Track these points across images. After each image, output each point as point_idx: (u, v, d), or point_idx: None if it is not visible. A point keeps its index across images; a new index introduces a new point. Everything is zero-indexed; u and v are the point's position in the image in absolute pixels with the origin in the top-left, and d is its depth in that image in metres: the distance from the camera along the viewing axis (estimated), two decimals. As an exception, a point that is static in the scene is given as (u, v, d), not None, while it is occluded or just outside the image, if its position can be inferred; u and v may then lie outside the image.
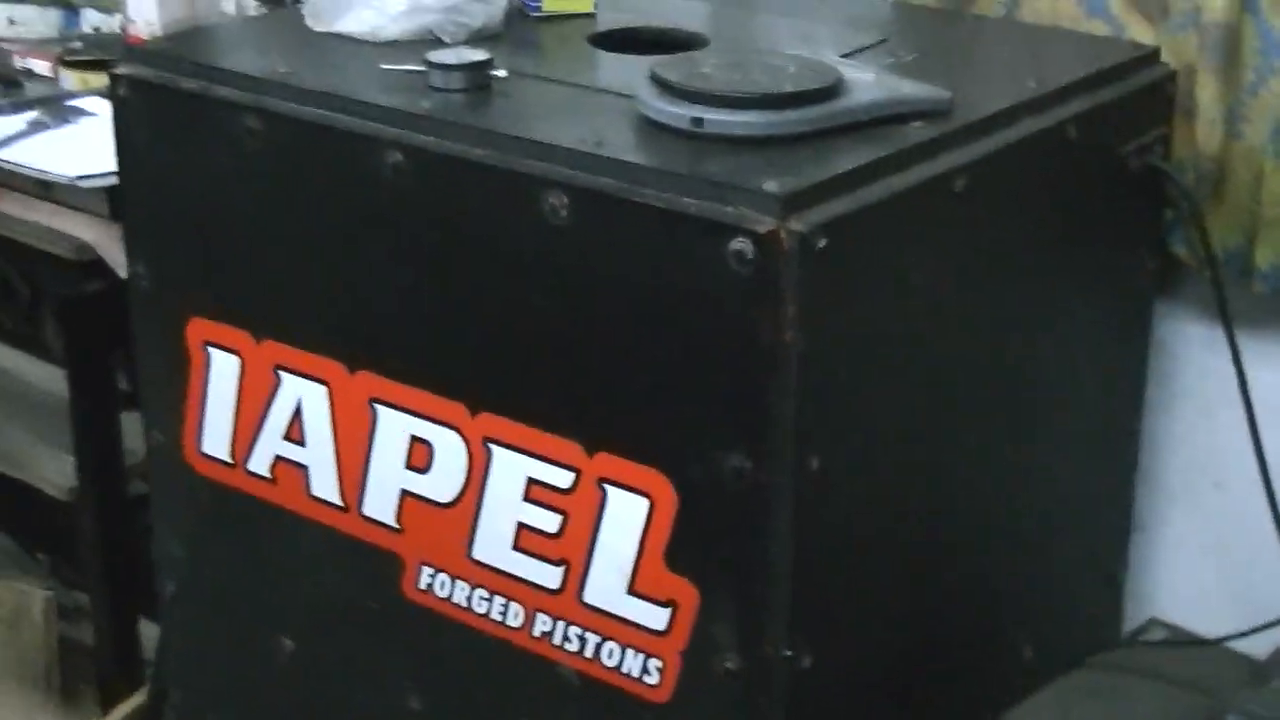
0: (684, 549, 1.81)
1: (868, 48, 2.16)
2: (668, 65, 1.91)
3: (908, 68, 2.04)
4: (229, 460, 2.20)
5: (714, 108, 1.82)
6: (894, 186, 1.79)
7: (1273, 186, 2.05)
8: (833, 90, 1.87)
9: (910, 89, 1.93)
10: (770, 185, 1.70)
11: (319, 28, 2.19)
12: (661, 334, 1.78)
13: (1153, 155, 2.09)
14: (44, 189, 2.64)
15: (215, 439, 2.20)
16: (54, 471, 2.81)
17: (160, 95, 2.12)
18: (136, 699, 2.76)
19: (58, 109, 2.80)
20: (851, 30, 2.25)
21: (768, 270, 1.68)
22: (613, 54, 2.16)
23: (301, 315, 2.08)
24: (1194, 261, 2.14)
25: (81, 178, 2.50)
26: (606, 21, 2.28)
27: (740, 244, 1.68)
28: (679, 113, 1.84)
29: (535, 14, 2.27)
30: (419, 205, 1.93)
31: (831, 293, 1.72)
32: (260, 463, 2.16)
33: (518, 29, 2.23)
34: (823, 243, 1.69)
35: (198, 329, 2.17)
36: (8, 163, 2.65)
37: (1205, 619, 1.99)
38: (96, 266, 2.64)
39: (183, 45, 2.24)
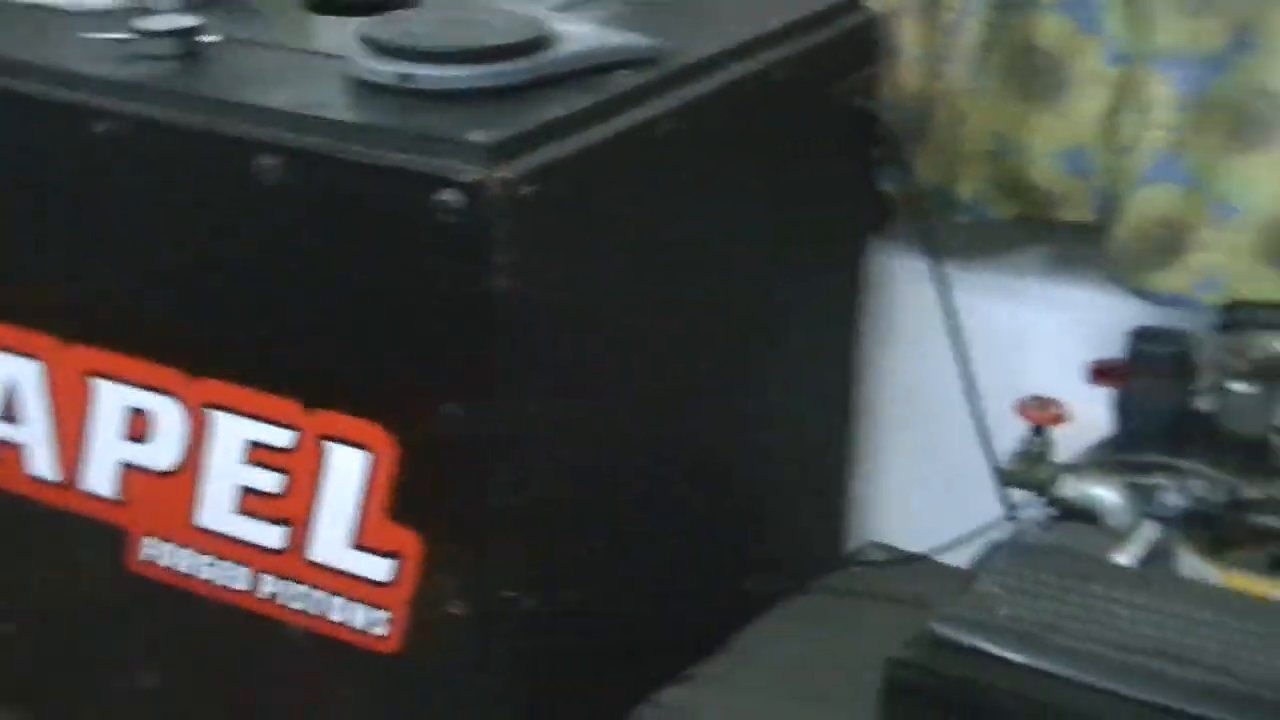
0: (407, 500, 1.82)
1: (580, 3, 2.17)
2: (377, 24, 1.90)
3: (622, 19, 2.05)
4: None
5: (421, 63, 1.82)
6: (602, 133, 1.80)
7: (972, 124, 2.10)
8: (540, 42, 1.88)
9: (618, 39, 1.94)
10: (477, 135, 1.70)
11: (19, -1, 2.14)
12: (376, 288, 1.78)
13: (860, 96, 2.14)
14: None
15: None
16: None
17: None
18: None
19: None
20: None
21: (477, 219, 1.68)
22: (326, 17, 2.14)
23: (8, 290, 2.03)
24: (902, 198, 2.19)
25: None
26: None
27: (448, 194, 1.68)
28: (387, 70, 1.83)
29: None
30: (128, 174, 1.90)
31: (542, 240, 1.73)
32: (-30, 444, 2.12)
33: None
34: (530, 190, 1.70)
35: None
36: None
37: (922, 540, 2.05)
38: None
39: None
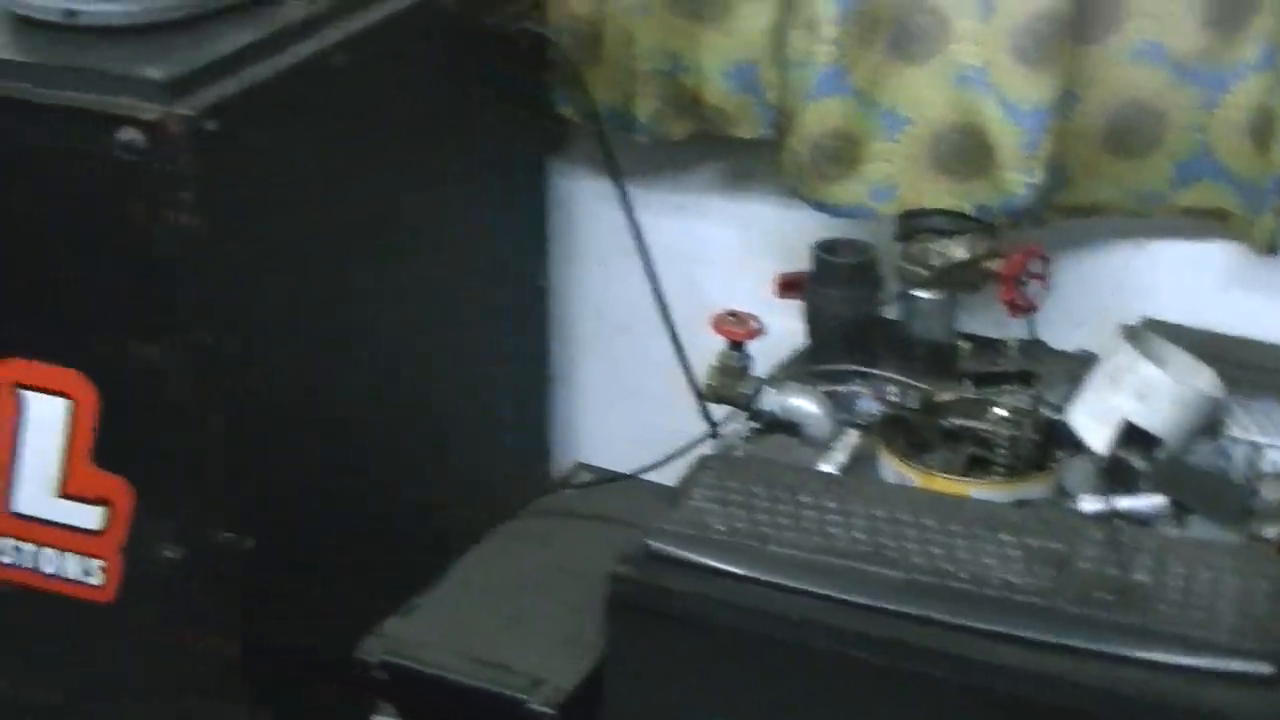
0: (111, 446, 1.79)
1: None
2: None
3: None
4: None
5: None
6: (277, 66, 1.78)
7: (642, 43, 2.12)
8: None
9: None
10: (154, 72, 1.67)
11: None
12: (60, 232, 1.74)
13: (529, 20, 2.14)
14: None
15: None
16: None
17: None
18: None
19: None
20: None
21: (158, 157, 1.65)
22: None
23: None
24: (578, 119, 2.20)
25: None
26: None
27: (128, 134, 1.65)
28: (50, 5, 1.78)
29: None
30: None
31: (224, 174, 1.71)
32: None
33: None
34: (212, 125, 1.67)
35: None
36: None
37: (627, 459, 2.06)
38: None
39: None
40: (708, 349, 1.92)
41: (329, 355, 1.91)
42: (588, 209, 2.30)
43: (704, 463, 1.73)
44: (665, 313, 2.07)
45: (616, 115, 2.15)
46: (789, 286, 2.03)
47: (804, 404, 1.87)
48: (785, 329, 2.00)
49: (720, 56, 2.11)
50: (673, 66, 2.12)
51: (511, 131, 2.19)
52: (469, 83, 2.09)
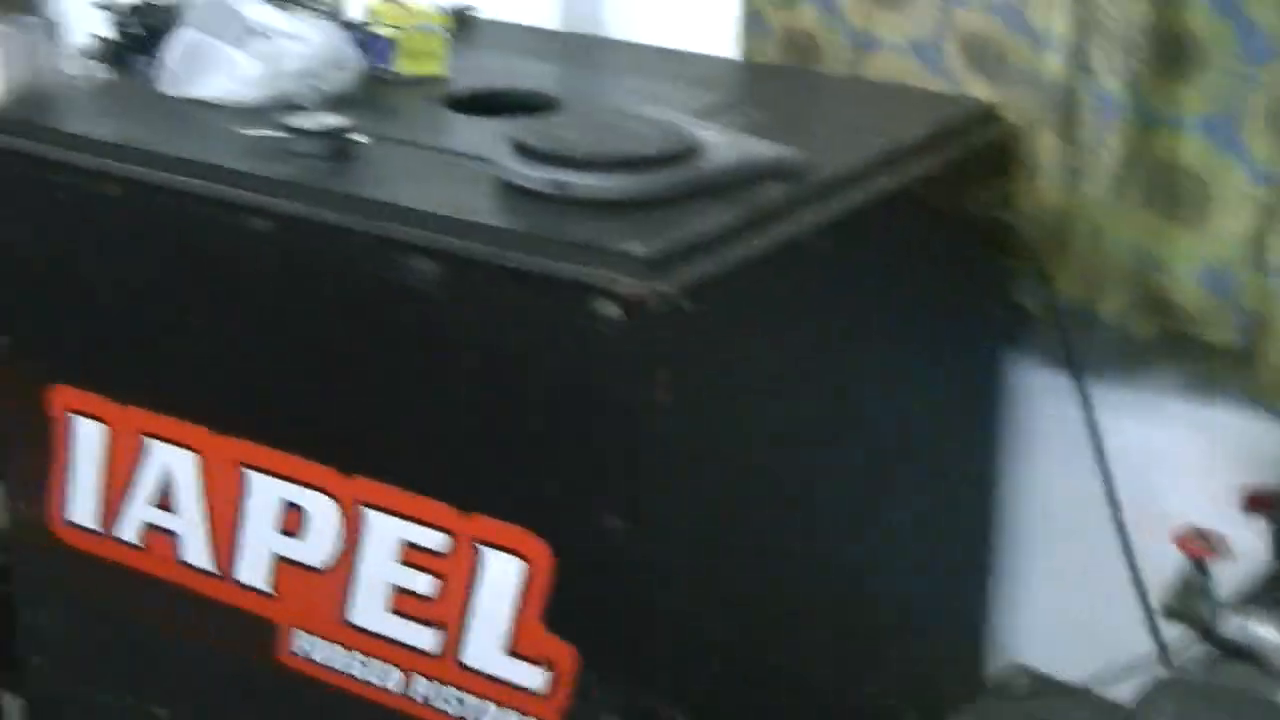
0: (561, 609, 1.84)
1: (717, 107, 2.21)
2: (527, 129, 1.94)
3: (759, 127, 2.08)
4: (97, 528, 2.19)
5: (575, 171, 1.86)
6: (754, 247, 1.83)
7: (1113, 239, 2.11)
8: (690, 153, 1.92)
9: (764, 150, 1.98)
10: (635, 247, 1.74)
11: (173, 92, 2.20)
12: (530, 396, 1.81)
13: (998, 209, 2.16)
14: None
15: (81, 507, 2.20)
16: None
17: (10, 161, 2.12)
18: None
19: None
20: (700, 89, 2.30)
21: (635, 332, 1.71)
22: (468, 117, 2.19)
23: (167, 381, 2.09)
24: (1041, 312, 2.19)
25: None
26: (458, 84, 2.31)
27: (606, 306, 1.72)
28: (541, 176, 1.87)
29: (388, 77, 2.29)
30: (283, 271, 1.95)
31: (696, 353, 1.77)
32: (129, 530, 2.16)
33: (372, 92, 2.25)
34: (687, 303, 1.73)
35: (60, 396, 2.17)
36: None
37: (1065, 663, 2.02)
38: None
39: (32, 109, 2.25)
40: (1160, 560, 1.87)
41: (775, 537, 1.94)
42: (1043, 403, 2.29)
43: (1164, 688, 1.66)
44: (1119, 518, 2.02)
45: (1080, 309, 2.14)
46: (1257, 502, 1.95)
47: (1271, 633, 1.79)
48: (1249, 546, 1.94)
49: (1195, 257, 2.08)
50: (1143, 264, 2.10)
51: (970, 320, 2.21)
52: (935, 269, 2.12)
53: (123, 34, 2.98)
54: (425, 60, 2.30)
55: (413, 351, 1.88)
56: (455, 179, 1.96)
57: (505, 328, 1.81)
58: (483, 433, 1.86)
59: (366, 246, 1.87)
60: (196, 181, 1.99)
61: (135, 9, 2.99)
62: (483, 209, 1.86)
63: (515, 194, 1.88)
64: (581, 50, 2.61)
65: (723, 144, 1.96)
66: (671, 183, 1.88)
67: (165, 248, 2.05)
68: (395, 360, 1.89)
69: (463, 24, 2.56)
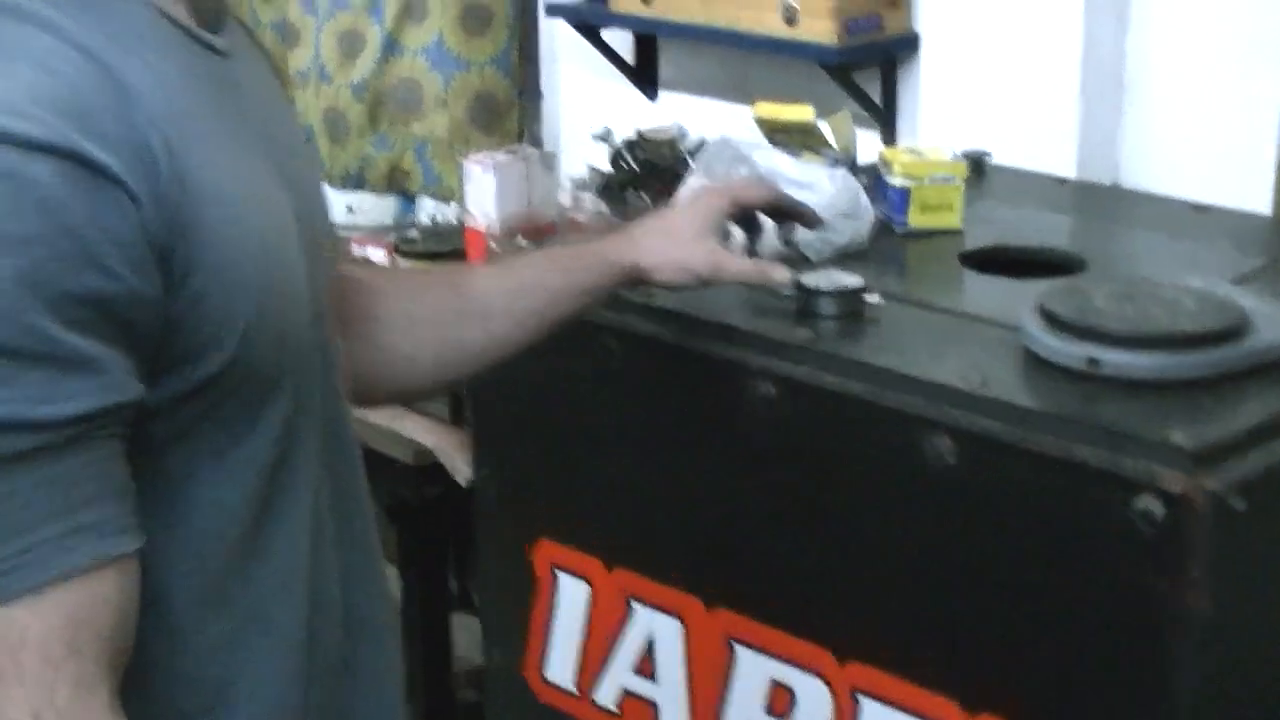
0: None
1: (1259, 273, 2.03)
2: (1056, 298, 1.79)
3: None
4: (574, 691, 2.11)
5: (1110, 347, 1.70)
6: (1311, 439, 1.65)
7: None
8: (1238, 329, 1.74)
9: (1317, 324, 1.79)
10: (1179, 437, 1.57)
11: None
12: (1049, 591, 1.65)
13: None
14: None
15: (560, 666, 2.12)
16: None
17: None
18: None
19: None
20: (1236, 250, 2.12)
21: (1176, 532, 1.55)
22: (985, 276, 2.06)
23: (658, 545, 1.99)
24: None
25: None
26: (974, 238, 2.18)
27: (1148, 502, 1.55)
28: (1072, 352, 1.72)
29: (901, 230, 2.17)
30: (788, 438, 1.83)
31: (1238, 556, 1.59)
32: (607, 696, 2.07)
33: (883, 246, 2.14)
34: (1239, 504, 1.55)
35: (546, 551, 2.10)
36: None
37: None
38: (435, 470, 2.61)
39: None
40: None
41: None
42: None
43: None
44: None
45: None
46: None
47: None
48: None
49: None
50: None
51: None
52: None
53: (618, 168, 2.98)
54: (940, 213, 2.18)
55: (922, 534, 1.74)
56: (974, 347, 1.82)
57: (1025, 516, 1.66)
58: (994, 627, 1.70)
59: (878, 419, 1.74)
60: (697, 340, 1.90)
61: (632, 144, 2.98)
62: (1005, 383, 1.71)
63: (1040, 368, 1.73)
64: (1101, 202, 2.46)
65: (1272, 318, 1.78)
66: (1214, 363, 1.70)
67: (664, 407, 1.96)
68: (903, 541, 1.76)
69: (976, 170, 2.44)
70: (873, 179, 2.20)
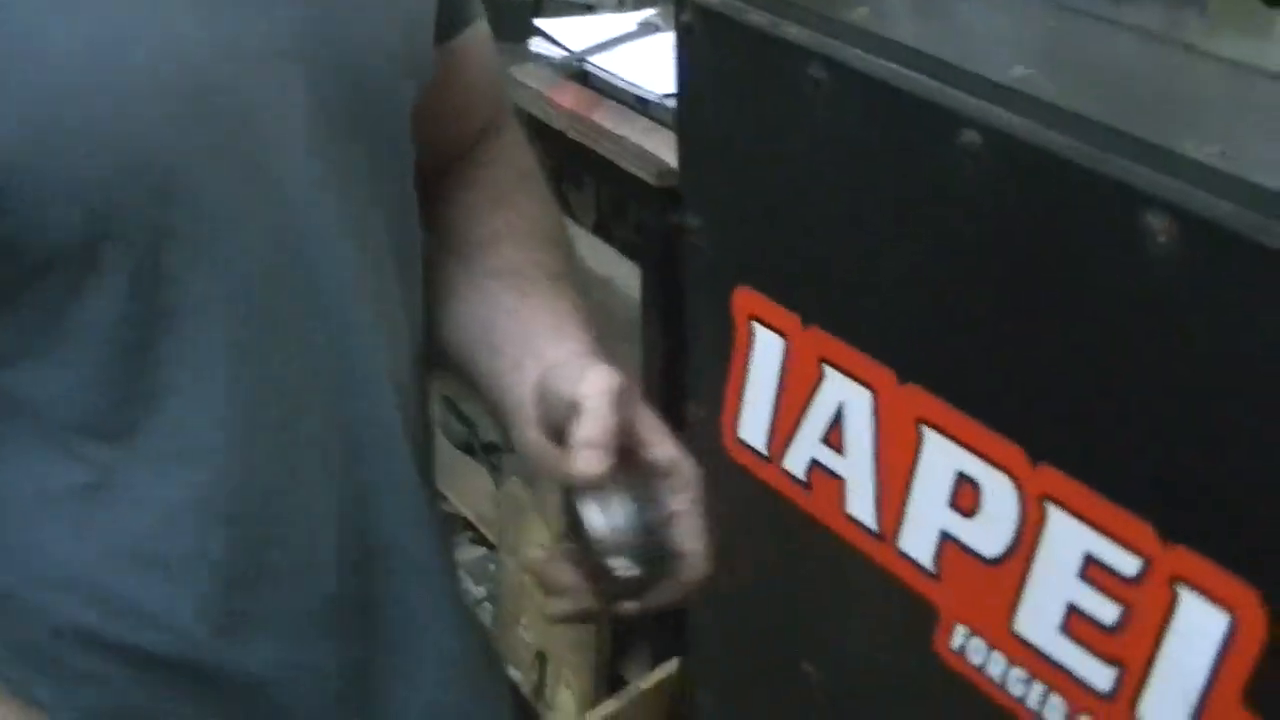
0: (1271, 688, 1.39)
1: None
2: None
3: None
4: (765, 454, 1.90)
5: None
6: None
7: None
8: None
9: None
10: None
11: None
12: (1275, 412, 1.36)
13: None
14: (641, 102, 2.41)
15: (753, 427, 1.91)
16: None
17: (726, 27, 1.81)
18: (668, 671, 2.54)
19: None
20: None
21: None
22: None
23: (854, 307, 1.74)
24: None
25: (670, 95, 2.24)
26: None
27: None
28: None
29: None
30: (994, 202, 1.55)
31: None
32: (797, 464, 1.86)
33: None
34: None
35: (745, 300, 1.87)
36: (602, 70, 2.42)
37: None
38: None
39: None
40: None
41: None
42: None
43: None
44: None
45: None
46: None
47: None
48: None
49: None
50: None
51: None
52: None
53: None
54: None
55: (1138, 333, 1.45)
56: (1244, 112, 1.51)
57: (1254, 322, 1.36)
58: (1208, 452, 1.41)
59: (1089, 186, 1.45)
60: (909, 74, 1.61)
61: None
62: (1253, 158, 1.39)
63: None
64: None
65: None
66: None
67: (871, 153, 1.68)
68: (1114, 339, 1.47)
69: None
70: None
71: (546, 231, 1.49)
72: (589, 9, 2.67)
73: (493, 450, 3.21)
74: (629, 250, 2.59)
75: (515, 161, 1.53)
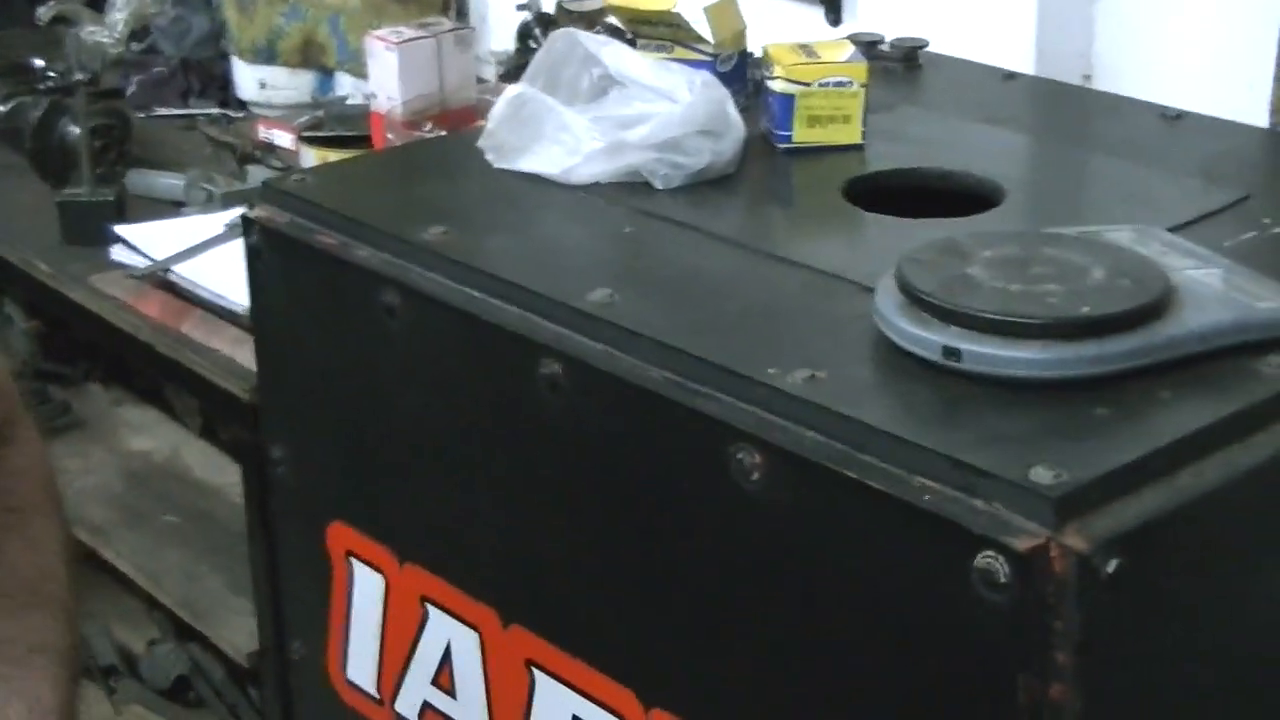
0: None
1: (1219, 211, 1.61)
2: (921, 258, 1.39)
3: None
4: (376, 696, 1.76)
5: (977, 333, 1.31)
6: (1235, 464, 1.24)
7: None
8: (1155, 309, 1.34)
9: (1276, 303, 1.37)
10: (1040, 474, 1.18)
11: (500, 164, 1.73)
12: (877, 647, 1.27)
13: None
14: (229, 311, 2.25)
15: (361, 668, 1.77)
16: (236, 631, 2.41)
17: (295, 250, 1.68)
18: None
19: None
20: (1202, 179, 1.70)
21: (1028, 601, 1.16)
22: (872, 215, 1.65)
23: (450, 543, 1.62)
24: None
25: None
26: (880, 155, 1.77)
27: (989, 561, 1.17)
28: (927, 337, 1.32)
29: (784, 145, 1.77)
30: (577, 434, 1.45)
31: (1116, 629, 1.19)
32: (409, 707, 1.72)
33: (759, 167, 1.74)
34: (1113, 564, 1.16)
35: (339, 535, 1.74)
36: (187, 280, 2.27)
37: None
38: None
39: (330, 182, 1.79)
40: None
41: None
42: None
43: None
44: None
45: None
46: None
47: None
48: None
49: None
50: None
51: None
52: None
53: (525, 46, 2.59)
54: (833, 127, 1.77)
55: (733, 567, 1.36)
56: (818, 322, 1.44)
57: (850, 559, 1.27)
58: (825, 684, 1.32)
59: (680, 422, 1.35)
60: (482, 299, 1.51)
61: (545, 18, 2.59)
62: (837, 381, 1.31)
63: (890, 356, 1.34)
64: (1053, 106, 2.02)
65: (1208, 294, 1.37)
66: (1119, 356, 1.30)
67: (449, 382, 1.58)
68: (713, 575, 1.37)
69: (908, 63, 2.03)
70: (748, 83, 1.80)
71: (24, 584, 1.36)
72: (178, 205, 2.53)
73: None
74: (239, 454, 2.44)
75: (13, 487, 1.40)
